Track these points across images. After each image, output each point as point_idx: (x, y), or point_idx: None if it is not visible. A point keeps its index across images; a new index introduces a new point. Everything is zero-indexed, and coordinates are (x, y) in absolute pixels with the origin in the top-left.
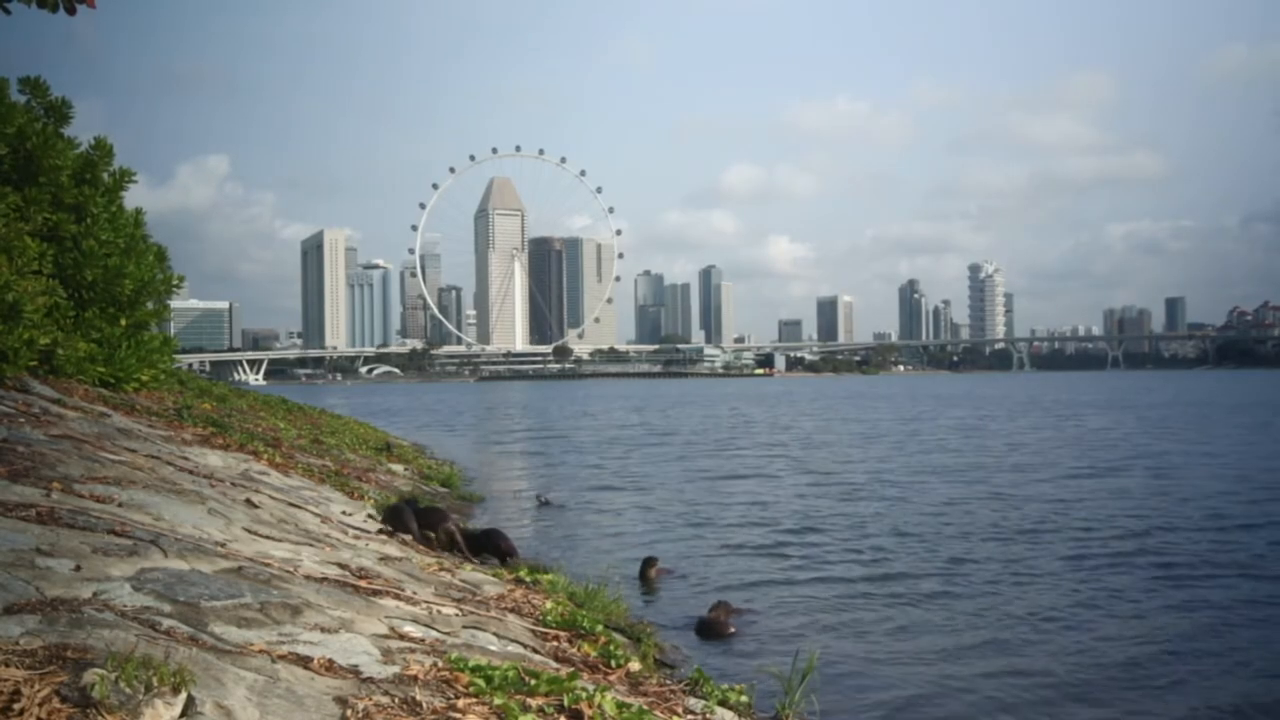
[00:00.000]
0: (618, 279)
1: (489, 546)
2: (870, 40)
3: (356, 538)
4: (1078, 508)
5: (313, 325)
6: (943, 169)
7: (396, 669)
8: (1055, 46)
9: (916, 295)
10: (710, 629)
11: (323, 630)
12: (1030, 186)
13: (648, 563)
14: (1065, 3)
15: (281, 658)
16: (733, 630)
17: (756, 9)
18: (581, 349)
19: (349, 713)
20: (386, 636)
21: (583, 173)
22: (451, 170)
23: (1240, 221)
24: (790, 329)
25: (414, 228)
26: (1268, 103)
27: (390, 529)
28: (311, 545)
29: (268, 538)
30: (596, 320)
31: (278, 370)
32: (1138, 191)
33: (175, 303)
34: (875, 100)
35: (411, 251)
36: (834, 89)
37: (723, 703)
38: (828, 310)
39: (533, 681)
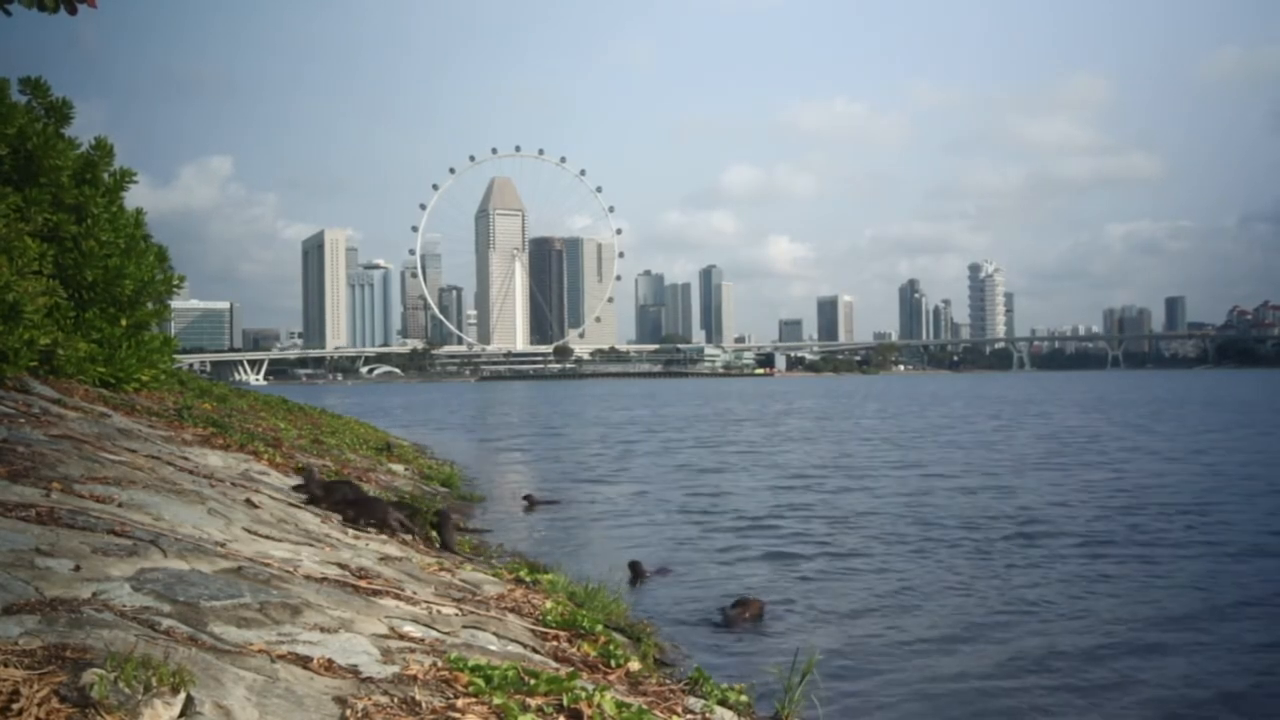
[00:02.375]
0: (618, 278)
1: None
2: (868, 41)
3: (356, 537)
4: (1075, 506)
5: (313, 325)
6: (941, 169)
7: (396, 669)
8: (1051, 48)
9: (917, 295)
10: (738, 621)
11: (322, 630)
12: (1028, 187)
13: (633, 566)
14: (1061, 5)
15: (281, 657)
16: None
17: (755, 10)
18: (582, 349)
19: (348, 712)
20: (386, 636)
21: (582, 172)
22: (451, 171)
23: (1238, 221)
24: (791, 329)
25: (414, 228)
26: (1263, 104)
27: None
28: (311, 545)
29: (268, 538)
30: (597, 320)
31: (278, 370)
32: (1136, 192)
33: (176, 303)
34: (873, 101)
35: (412, 252)
36: (833, 90)
37: (722, 702)
38: (828, 310)
39: (532, 681)
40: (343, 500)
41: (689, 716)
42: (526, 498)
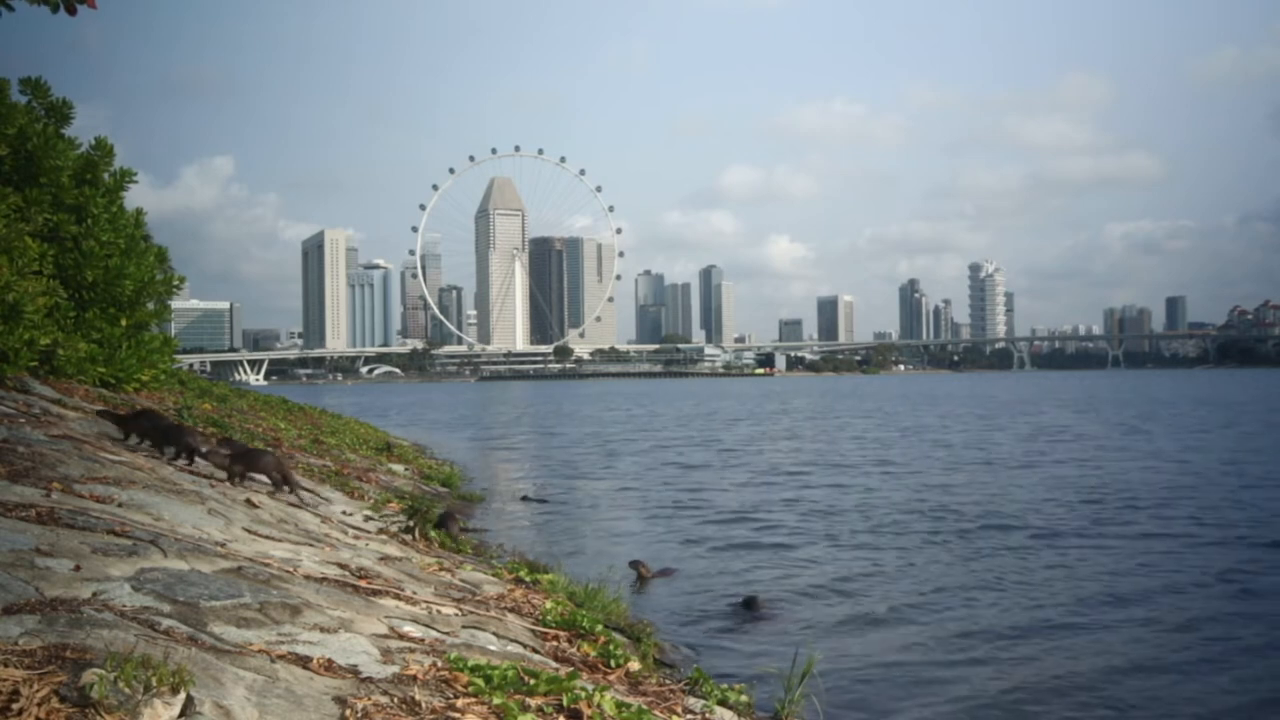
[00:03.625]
0: (618, 277)
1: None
2: (866, 43)
3: (356, 538)
4: (1066, 503)
5: (313, 325)
6: (940, 169)
7: (396, 669)
8: (1048, 49)
9: (917, 295)
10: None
11: (322, 630)
12: (1027, 187)
13: (635, 566)
14: (1057, 6)
15: (281, 657)
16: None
17: (752, 11)
18: (582, 349)
19: (348, 712)
20: (386, 636)
21: (582, 171)
22: (451, 171)
23: (1238, 221)
24: (791, 329)
25: (414, 229)
26: (1261, 105)
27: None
28: (311, 545)
29: (267, 538)
30: (598, 319)
31: (278, 370)
32: (1135, 192)
33: (176, 303)
34: (872, 102)
35: (412, 252)
36: (831, 90)
37: (722, 702)
38: (828, 310)
39: (532, 681)
40: (147, 429)
41: (689, 716)
42: (523, 497)
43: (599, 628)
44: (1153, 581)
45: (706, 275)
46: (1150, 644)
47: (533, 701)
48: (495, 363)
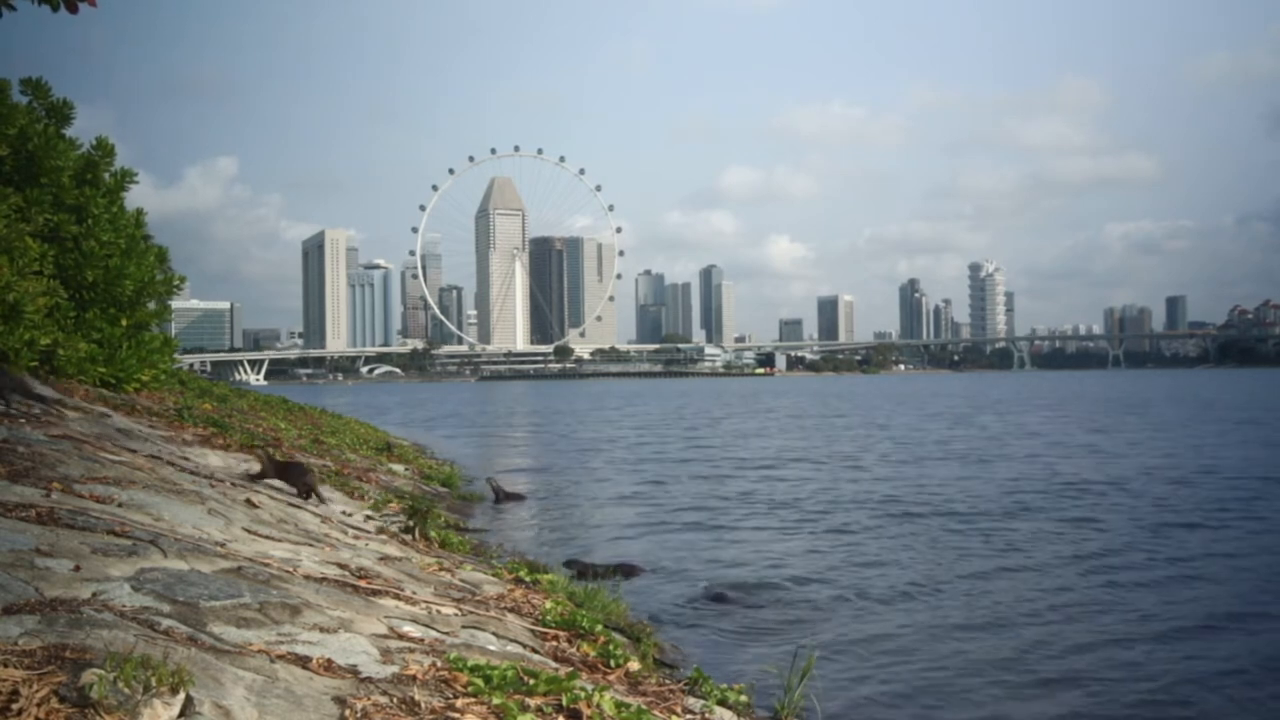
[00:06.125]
0: (619, 276)
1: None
2: (866, 44)
3: (356, 538)
4: (1063, 499)
5: (314, 325)
6: (940, 170)
7: (395, 669)
8: (1047, 50)
9: (917, 294)
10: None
11: (322, 630)
12: (1026, 187)
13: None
14: (1056, 7)
15: (280, 658)
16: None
17: (752, 12)
18: (582, 348)
19: (347, 712)
20: (385, 636)
21: (582, 171)
22: (451, 171)
23: (1237, 221)
24: (791, 328)
25: (414, 229)
26: (1257, 106)
27: None
28: (311, 545)
29: (267, 538)
30: (598, 319)
31: (279, 370)
32: (1134, 192)
33: (176, 303)
34: (871, 104)
35: (412, 253)
36: (831, 92)
37: (722, 702)
38: (828, 310)
39: (531, 681)
40: None
41: (688, 716)
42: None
43: (599, 628)
44: (1144, 563)
45: (707, 275)
46: (1144, 632)
47: (532, 701)
48: (495, 362)
